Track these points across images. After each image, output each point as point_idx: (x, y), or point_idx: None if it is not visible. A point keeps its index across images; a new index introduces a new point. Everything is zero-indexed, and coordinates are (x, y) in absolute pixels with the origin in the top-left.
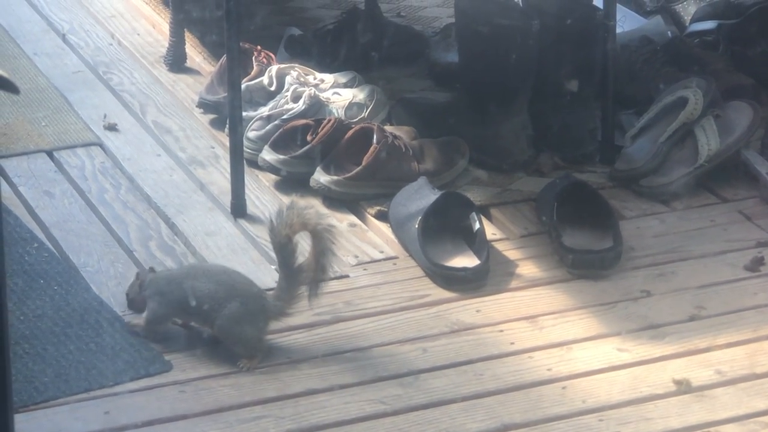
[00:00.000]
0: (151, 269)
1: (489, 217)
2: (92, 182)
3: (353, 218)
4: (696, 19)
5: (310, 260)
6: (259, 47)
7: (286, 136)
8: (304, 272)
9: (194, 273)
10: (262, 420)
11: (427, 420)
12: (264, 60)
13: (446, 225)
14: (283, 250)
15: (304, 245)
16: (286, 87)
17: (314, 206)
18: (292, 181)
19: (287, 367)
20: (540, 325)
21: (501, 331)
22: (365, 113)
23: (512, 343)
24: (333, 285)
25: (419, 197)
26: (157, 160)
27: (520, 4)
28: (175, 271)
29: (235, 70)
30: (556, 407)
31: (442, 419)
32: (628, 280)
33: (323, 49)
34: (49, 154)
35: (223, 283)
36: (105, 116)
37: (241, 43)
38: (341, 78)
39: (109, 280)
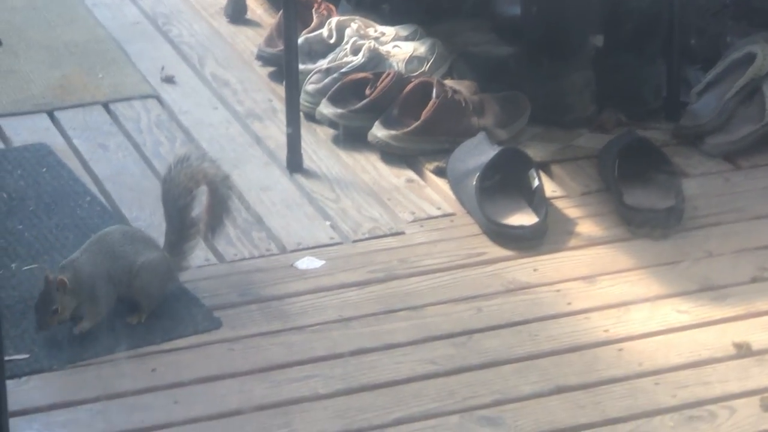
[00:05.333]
0: (47, 276)
1: (549, 174)
2: (147, 135)
3: (411, 174)
4: None
5: (205, 211)
6: None
7: (345, 90)
8: (196, 226)
9: (106, 246)
10: (312, 379)
11: (479, 381)
12: (324, 12)
13: (505, 181)
14: (178, 202)
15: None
16: (345, 39)
17: (206, 155)
18: (350, 136)
19: (338, 326)
20: (598, 285)
21: (558, 290)
22: (426, 67)
23: (569, 304)
24: (388, 242)
25: (478, 153)
26: (214, 113)
27: None
28: (86, 255)
29: (291, 21)
30: (611, 370)
31: (495, 381)
32: (690, 240)
33: (385, 1)
34: (105, 106)
35: (136, 241)
36: (162, 68)
37: None
38: (402, 31)
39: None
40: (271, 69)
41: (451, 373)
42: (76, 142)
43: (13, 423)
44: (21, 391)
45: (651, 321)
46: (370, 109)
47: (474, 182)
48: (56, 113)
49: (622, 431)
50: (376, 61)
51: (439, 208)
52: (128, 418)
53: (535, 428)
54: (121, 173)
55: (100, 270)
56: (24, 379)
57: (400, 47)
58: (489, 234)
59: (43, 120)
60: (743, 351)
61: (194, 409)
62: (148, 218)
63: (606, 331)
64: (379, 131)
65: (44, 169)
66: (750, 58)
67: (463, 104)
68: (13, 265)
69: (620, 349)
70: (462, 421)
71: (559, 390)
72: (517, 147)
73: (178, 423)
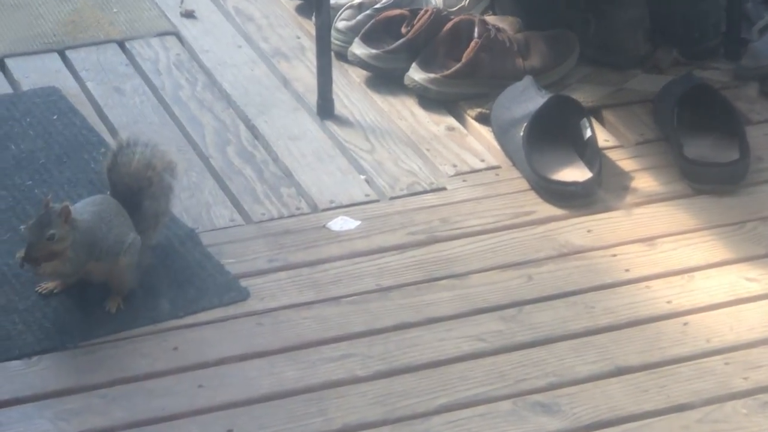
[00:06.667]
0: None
1: (601, 121)
2: (166, 77)
3: (452, 121)
4: None
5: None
6: None
7: (379, 28)
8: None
9: (105, 214)
10: (348, 359)
11: (531, 361)
12: None
13: (555, 132)
14: (139, 195)
15: None
16: None
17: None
18: (385, 79)
19: (377, 296)
20: (658, 248)
21: (614, 255)
22: (465, 2)
23: (627, 270)
24: (428, 199)
25: (525, 99)
26: (238, 51)
27: None
28: (86, 217)
29: None
30: (676, 347)
31: (549, 360)
32: (758, 196)
33: None
34: (121, 44)
35: (123, 214)
36: (182, 2)
37: None
38: None
39: (181, 192)
40: (298, 2)
41: (500, 351)
42: (89, 85)
43: (24, 410)
44: (31, 373)
45: (718, 290)
46: (406, 49)
47: (521, 133)
48: (68, 53)
49: (690, 419)
50: None
51: (482, 160)
52: (148, 404)
53: (595, 416)
54: (138, 121)
55: (94, 236)
56: (35, 359)
57: None
58: (538, 190)
59: (54, 60)
60: None
61: (220, 394)
62: None
63: (669, 302)
64: (416, 74)
65: (55, 117)
66: None
67: (508, 44)
68: (22, 227)
69: (685, 323)
70: (515, 408)
71: (620, 371)
72: (567, 95)
73: (204, 410)
